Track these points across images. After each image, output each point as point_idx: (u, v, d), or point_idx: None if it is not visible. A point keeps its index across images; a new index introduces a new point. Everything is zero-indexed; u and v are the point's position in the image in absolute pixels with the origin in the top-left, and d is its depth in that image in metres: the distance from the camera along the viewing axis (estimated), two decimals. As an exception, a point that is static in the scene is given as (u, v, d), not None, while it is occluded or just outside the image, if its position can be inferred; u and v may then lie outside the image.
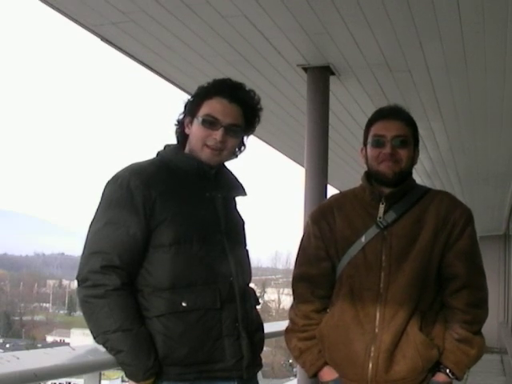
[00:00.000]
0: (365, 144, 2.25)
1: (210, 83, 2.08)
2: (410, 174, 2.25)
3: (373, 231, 2.17)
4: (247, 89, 2.10)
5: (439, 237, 2.15)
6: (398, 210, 2.18)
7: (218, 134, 2.01)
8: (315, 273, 2.25)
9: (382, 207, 2.18)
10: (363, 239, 2.17)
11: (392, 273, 2.12)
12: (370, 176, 2.24)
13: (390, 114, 2.24)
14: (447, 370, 2.14)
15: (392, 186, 2.19)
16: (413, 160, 2.23)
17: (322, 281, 2.25)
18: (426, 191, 2.25)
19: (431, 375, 2.14)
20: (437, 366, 2.15)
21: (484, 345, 2.18)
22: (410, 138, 2.21)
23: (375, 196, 2.20)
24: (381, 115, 2.25)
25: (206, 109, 2.03)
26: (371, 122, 2.25)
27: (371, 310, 2.13)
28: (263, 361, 2.16)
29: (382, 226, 2.16)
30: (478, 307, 2.17)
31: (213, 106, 2.02)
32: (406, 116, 2.26)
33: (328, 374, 2.22)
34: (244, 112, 2.06)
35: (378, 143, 2.18)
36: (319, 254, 2.25)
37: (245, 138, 2.15)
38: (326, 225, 2.25)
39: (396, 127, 2.19)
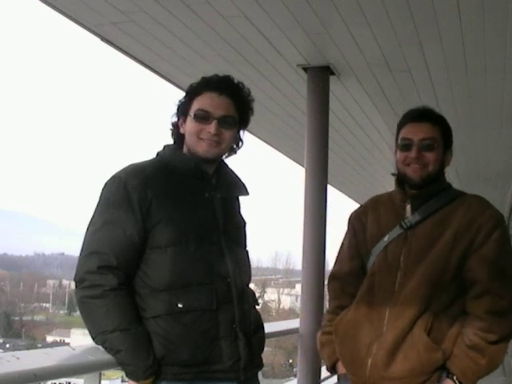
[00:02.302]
0: (396, 147, 2.26)
1: (199, 81, 2.10)
2: (441, 175, 2.24)
3: (396, 231, 2.20)
4: (236, 81, 2.11)
5: (459, 240, 2.12)
6: (423, 212, 2.19)
7: (211, 127, 2.01)
8: (346, 271, 2.33)
9: (408, 207, 2.20)
10: (386, 239, 2.21)
11: (407, 274, 2.14)
12: (402, 179, 2.25)
13: (418, 116, 2.23)
14: (454, 377, 2.08)
15: (420, 189, 2.20)
16: (442, 162, 2.22)
17: (351, 278, 2.32)
18: (458, 195, 2.25)
19: (437, 379, 2.09)
20: (445, 371, 2.09)
21: (500, 356, 2.09)
22: (437, 141, 2.19)
23: (403, 197, 2.23)
24: (409, 118, 2.25)
25: (196, 105, 2.04)
26: (401, 125, 2.26)
27: (383, 308, 2.15)
28: (263, 361, 2.15)
29: (405, 227, 2.18)
30: (498, 316, 2.06)
31: (203, 101, 2.04)
32: (434, 117, 2.24)
33: (342, 367, 2.28)
34: (236, 104, 2.07)
35: (405, 147, 2.19)
36: (351, 253, 2.33)
37: (241, 132, 2.15)
38: (360, 225, 2.32)
39: (423, 130, 2.18)
